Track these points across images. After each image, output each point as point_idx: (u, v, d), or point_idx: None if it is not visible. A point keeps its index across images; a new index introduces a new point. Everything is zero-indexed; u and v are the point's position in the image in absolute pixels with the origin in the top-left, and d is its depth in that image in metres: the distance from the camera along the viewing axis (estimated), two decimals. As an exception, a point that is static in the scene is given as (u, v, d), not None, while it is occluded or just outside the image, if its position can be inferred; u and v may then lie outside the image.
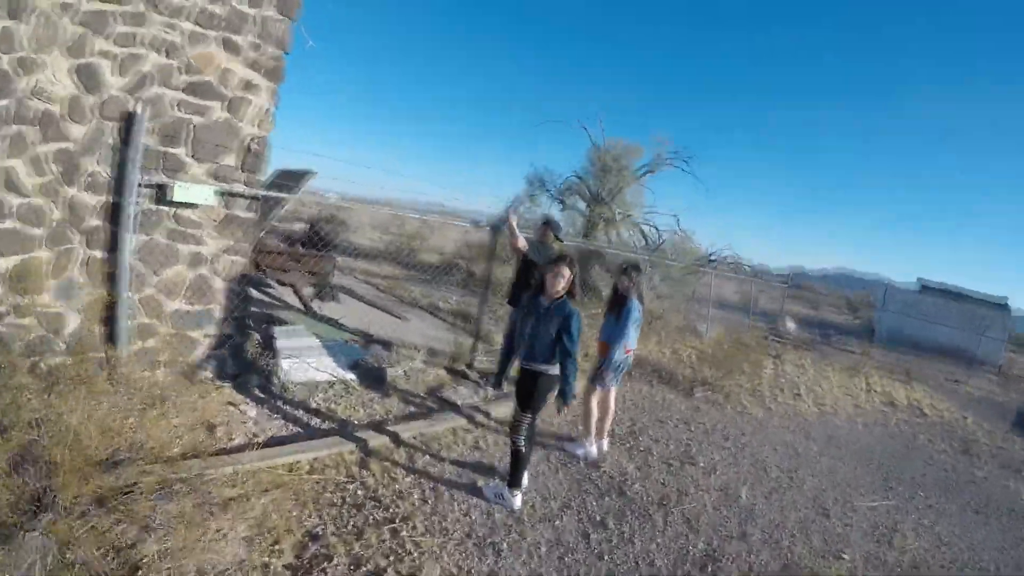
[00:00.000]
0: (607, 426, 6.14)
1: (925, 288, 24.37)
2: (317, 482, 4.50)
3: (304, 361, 6.34)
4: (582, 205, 18.01)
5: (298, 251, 10.59)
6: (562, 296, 4.56)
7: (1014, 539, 6.30)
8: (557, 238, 7.32)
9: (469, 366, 7.74)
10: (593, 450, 5.91)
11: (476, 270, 14.95)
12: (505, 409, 6.38)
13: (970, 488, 7.54)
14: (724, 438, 7.26)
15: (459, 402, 6.55)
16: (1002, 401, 14.60)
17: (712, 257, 16.54)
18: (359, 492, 4.50)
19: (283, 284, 9.95)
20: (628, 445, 6.42)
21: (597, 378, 5.76)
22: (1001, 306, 22.80)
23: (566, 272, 4.52)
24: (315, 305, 9.46)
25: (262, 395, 5.78)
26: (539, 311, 4.58)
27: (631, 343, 5.73)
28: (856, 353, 17.58)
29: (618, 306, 5.73)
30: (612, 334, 5.69)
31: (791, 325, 20.15)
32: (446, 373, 7.40)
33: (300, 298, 9.56)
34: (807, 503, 5.90)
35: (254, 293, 8.38)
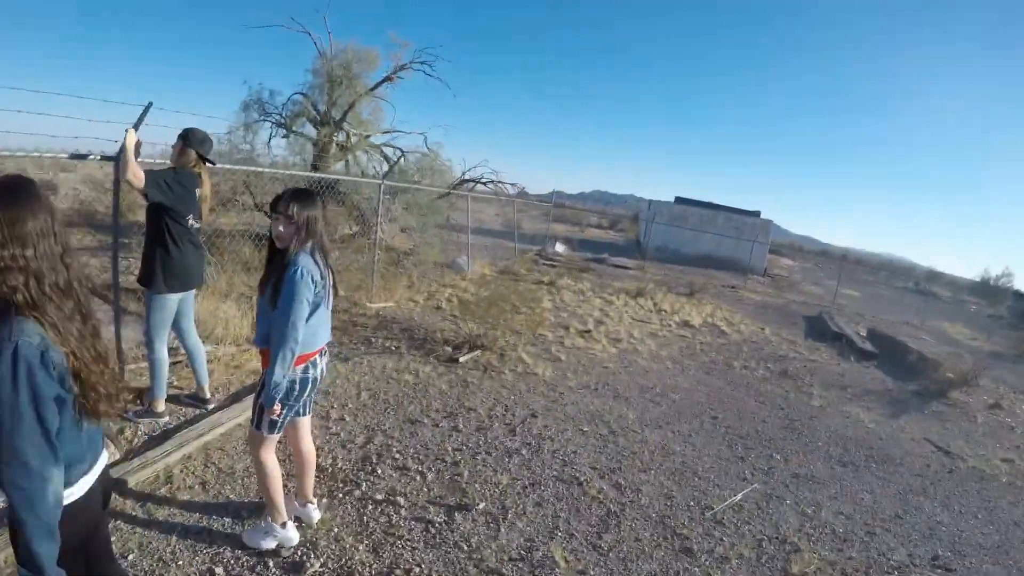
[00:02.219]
0: (309, 482, 3.12)
1: (681, 202, 24.68)
2: None
3: None
4: (312, 130, 14.16)
5: None
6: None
7: (899, 492, 4.71)
8: (203, 158, 3.97)
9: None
10: (291, 534, 2.88)
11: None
12: (147, 472, 3.22)
13: (818, 427, 5.91)
14: (509, 431, 4.58)
15: None
16: (782, 304, 14.40)
17: (467, 178, 13.87)
18: None
19: None
20: (358, 493, 3.42)
21: (262, 418, 2.65)
22: (758, 216, 23.79)
23: None
24: None
25: None
26: None
27: (315, 341, 2.67)
28: (632, 270, 16.59)
29: (276, 276, 2.58)
30: (273, 329, 2.56)
31: (560, 247, 18.71)
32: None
33: None
34: (655, 533, 3.46)
35: None
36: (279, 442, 3.07)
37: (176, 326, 4.02)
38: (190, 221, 3.80)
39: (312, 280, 2.49)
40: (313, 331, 2.61)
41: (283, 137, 14.02)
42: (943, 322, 17.39)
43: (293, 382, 2.61)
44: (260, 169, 8.78)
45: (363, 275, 8.43)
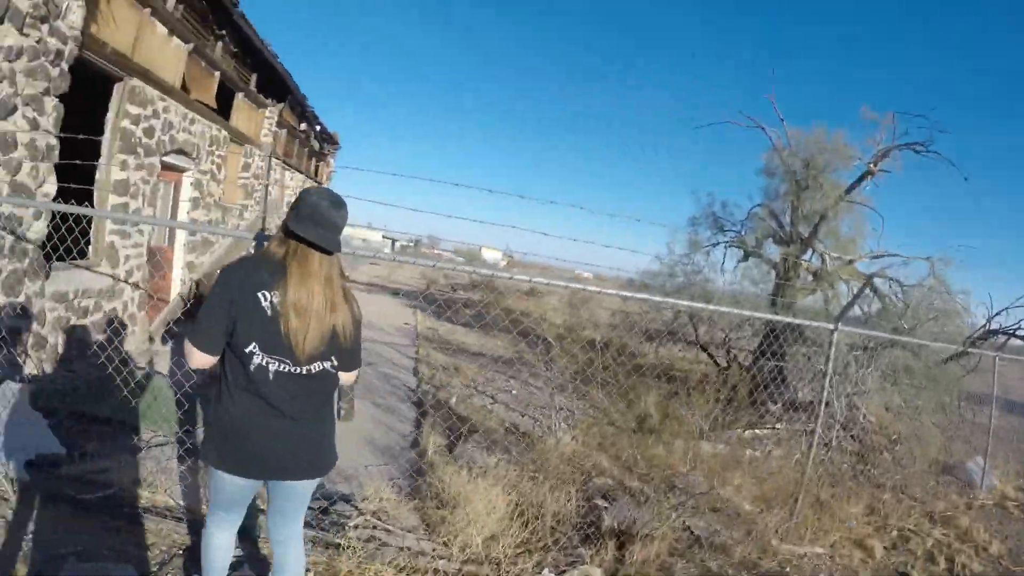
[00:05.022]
0: None
1: None
2: None
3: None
4: (774, 250, 11.72)
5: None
6: None
7: None
8: (302, 241, 1.91)
9: None
10: None
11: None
12: None
13: None
14: None
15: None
16: None
17: (995, 327, 9.14)
18: None
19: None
20: None
21: None
22: None
23: None
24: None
25: None
26: None
27: None
28: None
29: None
30: None
31: None
32: None
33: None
34: None
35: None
36: None
37: (269, 518, 2.34)
38: (259, 358, 1.93)
39: None
40: None
41: (741, 261, 11.85)
42: None
43: None
44: (683, 303, 7.06)
45: (789, 488, 5.61)
